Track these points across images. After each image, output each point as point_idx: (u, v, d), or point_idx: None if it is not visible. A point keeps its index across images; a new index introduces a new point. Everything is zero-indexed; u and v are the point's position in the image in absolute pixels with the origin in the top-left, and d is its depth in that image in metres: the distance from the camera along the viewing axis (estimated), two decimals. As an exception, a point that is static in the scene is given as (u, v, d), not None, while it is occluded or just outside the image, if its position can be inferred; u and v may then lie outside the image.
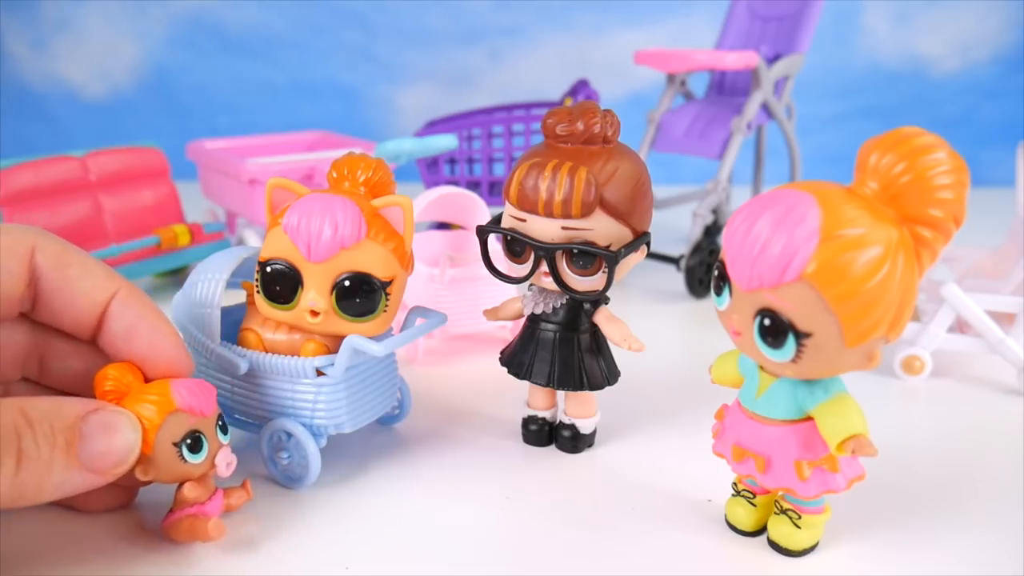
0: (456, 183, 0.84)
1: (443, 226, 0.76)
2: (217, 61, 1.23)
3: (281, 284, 0.39)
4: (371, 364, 0.43)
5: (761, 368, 0.35)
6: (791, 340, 0.31)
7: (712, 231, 0.75)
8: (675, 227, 0.84)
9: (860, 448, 0.32)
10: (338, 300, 0.39)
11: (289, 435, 0.41)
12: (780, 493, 0.36)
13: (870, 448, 0.32)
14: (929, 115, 1.22)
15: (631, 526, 0.39)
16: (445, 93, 1.24)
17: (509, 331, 0.59)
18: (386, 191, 0.41)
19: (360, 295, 0.39)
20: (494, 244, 0.43)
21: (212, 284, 0.42)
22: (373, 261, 0.39)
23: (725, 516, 0.39)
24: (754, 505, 0.38)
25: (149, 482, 0.36)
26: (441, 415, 0.50)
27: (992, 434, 0.49)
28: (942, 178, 0.30)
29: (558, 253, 0.39)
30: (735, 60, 0.72)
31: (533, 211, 0.39)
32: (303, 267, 0.38)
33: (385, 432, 0.48)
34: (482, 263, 0.44)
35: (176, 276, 0.76)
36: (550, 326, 0.43)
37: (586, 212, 0.38)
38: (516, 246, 0.41)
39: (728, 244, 0.31)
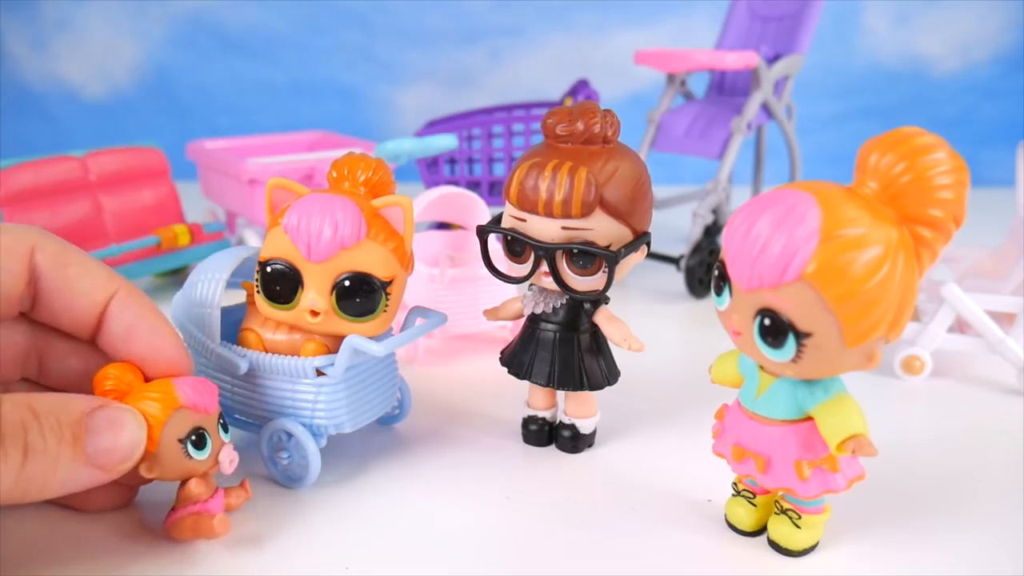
0: (456, 183, 0.84)
1: (443, 226, 0.76)
2: (217, 61, 1.23)
3: (281, 284, 0.39)
4: (371, 364, 0.43)
5: (761, 368, 0.35)
6: (791, 340, 0.31)
7: (712, 231, 0.75)
8: (675, 227, 0.84)
9: (860, 448, 0.32)
10: (338, 300, 0.39)
11: (289, 435, 0.41)
12: (780, 493, 0.36)
13: (870, 448, 0.32)
14: (929, 115, 1.22)
15: (631, 526, 0.39)
16: (445, 93, 1.24)
17: (509, 331, 0.59)
18: (386, 191, 0.41)
19: (360, 295, 0.39)
20: (494, 244, 0.43)
21: (212, 284, 0.42)
22: (373, 261, 0.39)
23: (725, 516, 0.39)
24: (754, 505, 0.38)
25: (152, 480, 0.36)
26: (441, 415, 0.50)
27: (992, 434, 0.49)
28: (942, 178, 0.30)
29: (558, 253, 0.39)
30: (735, 60, 0.72)
31: (533, 211, 0.39)
32: (303, 267, 0.38)
33: (385, 432, 0.48)
34: (482, 263, 0.44)
35: (176, 276, 0.76)
36: (550, 326, 0.43)
37: (586, 212, 0.38)
38: (516, 246, 0.41)
39: (728, 244, 0.31)
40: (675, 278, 0.75)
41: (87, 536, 0.38)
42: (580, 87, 0.90)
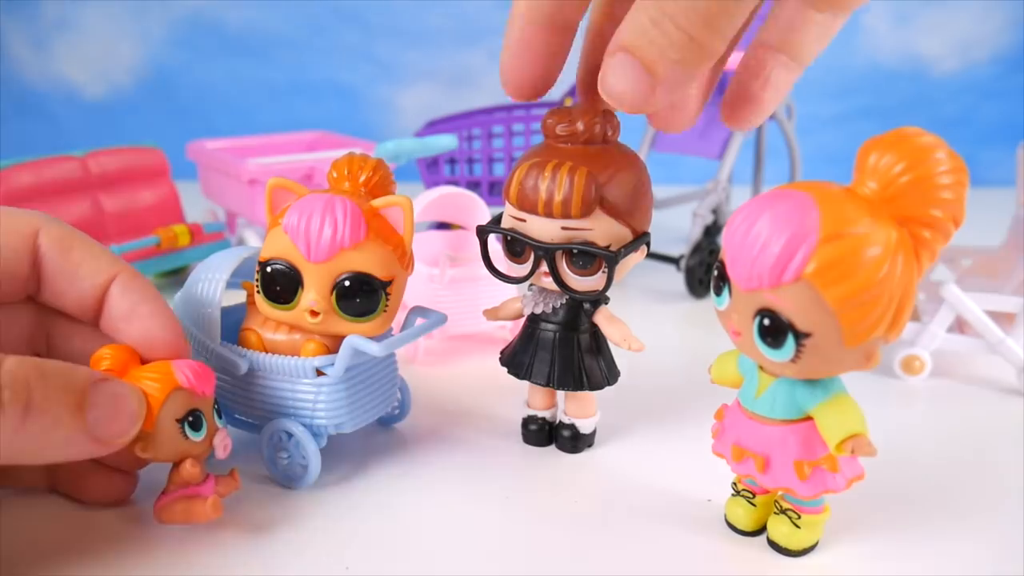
0: (456, 183, 0.84)
1: (443, 226, 0.76)
2: (217, 61, 1.23)
3: (281, 284, 0.39)
4: (371, 364, 0.43)
5: (761, 368, 0.35)
6: (791, 340, 0.31)
7: (712, 231, 0.75)
8: (675, 227, 0.84)
9: (859, 448, 0.32)
10: (338, 300, 0.39)
11: (289, 435, 0.41)
12: (780, 493, 0.36)
13: (869, 448, 0.32)
14: (929, 115, 1.22)
15: (631, 526, 0.39)
16: (445, 93, 1.24)
17: (509, 331, 0.59)
18: (386, 191, 0.41)
19: (360, 295, 0.39)
20: (494, 244, 0.43)
21: (212, 284, 0.42)
22: (373, 261, 0.39)
23: (725, 516, 0.39)
24: (754, 505, 0.38)
25: (147, 461, 0.36)
26: (441, 415, 0.50)
27: (992, 434, 0.49)
28: (942, 178, 0.30)
29: (558, 253, 0.39)
30: (735, 60, 0.72)
31: (533, 211, 0.39)
32: (303, 267, 0.39)
33: (385, 432, 0.48)
34: (482, 263, 0.44)
35: (176, 276, 0.76)
36: (550, 326, 0.43)
37: (586, 212, 0.38)
38: (516, 246, 0.41)
39: (728, 244, 0.31)
40: (675, 278, 0.75)
41: (86, 531, 0.38)
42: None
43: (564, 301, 0.43)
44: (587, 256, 0.39)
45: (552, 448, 0.46)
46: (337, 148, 0.84)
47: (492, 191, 0.85)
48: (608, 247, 0.39)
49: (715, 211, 0.76)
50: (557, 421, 0.46)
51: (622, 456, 0.45)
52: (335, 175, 0.41)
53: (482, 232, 0.42)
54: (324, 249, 0.38)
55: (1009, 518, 0.40)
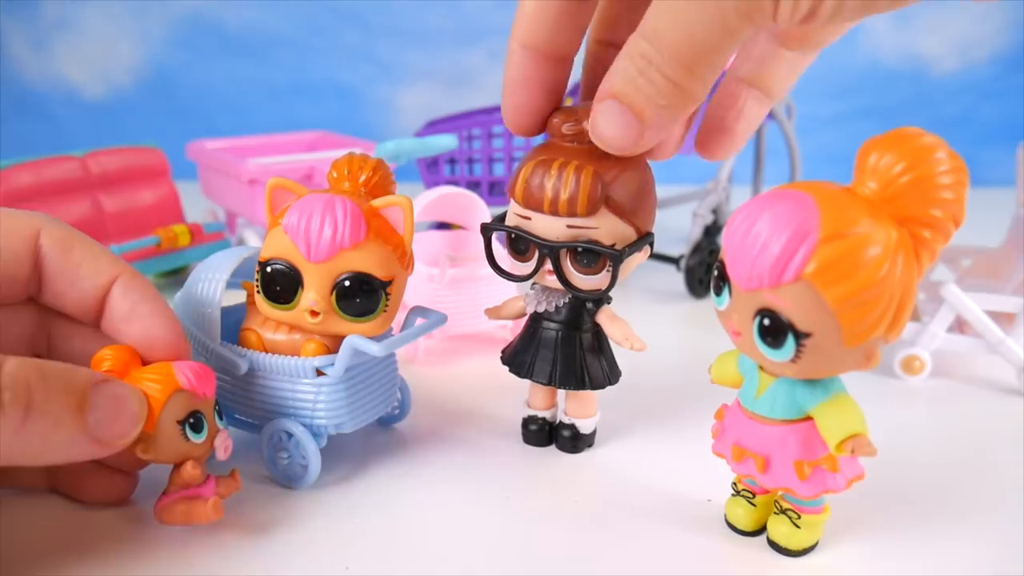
0: (456, 183, 0.84)
1: (443, 226, 0.76)
2: (217, 61, 1.23)
3: (281, 284, 0.39)
4: (371, 364, 0.43)
5: (761, 368, 0.35)
6: (790, 340, 0.31)
7: (712, 231, 0.75)
8: (675, 227, 0.84)
9: (859, 448, 0.32)
10: (338, 300, 0.39)
11: (289, 435, 0.41)
12: (780, 493, 0.36)
13: (869, 448, 0.32)
14: (929, 115, 1.22)
15: (631, 526, 0.39)
16: (445, 93, 1.24)
17: (509, 331, 0.59)
18: (386, 191, 0.41)
19: (360, 295, 0.39)
20: (497, 243, 0.43)
21: (212, 284, 0.42)
22: (373, 261, 0.39)
23: (725, 516, 0.39)
24: (754, 505, 0.38)
25: (147, 462, 0.36)
26: (441, 415, 0.50)
27: (992, 434, 0.49)
28: (942, 178, 0.30)
29: (562, 251, 0.39)
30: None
31: (538, 209, 0.39)
32: (303, 267, 0.38)
33: (385, 432, 0.48)
34: (482, 263, 0.44)
35: (176, 276, 0.76)
36: (552, 325, 0.43)
37: (592, 210, 0.38)
38: (520, 244, 0.41)
39: (728, 244, 0.31)
40: (675, 278, 0.75)
41: (86, 531, 0.38)
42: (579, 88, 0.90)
43: (567, 300, 0.43)
44: (592, 255, 0.39)
45: (552, 448, 0.46)
46: (337, 148, 0.84)
47: (492, 191, 0.85)
48: (613, 246, 0.39)
49: (715, 211, 0.76)
50: (557, 421, 0.46)
51: (622, 456, 0.45)
52: (335, 175, 0.41)
53: (486, 230, 0.42)
54: (324, 249, 0.38)
55: (1009, 518, 0.40)
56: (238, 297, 0.45)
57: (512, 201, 0.40)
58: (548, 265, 0.40)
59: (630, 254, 0.39)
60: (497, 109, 0.92)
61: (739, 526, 0.38)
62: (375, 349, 0.39)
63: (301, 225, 0.38)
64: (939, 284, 0.57)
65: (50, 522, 0.39)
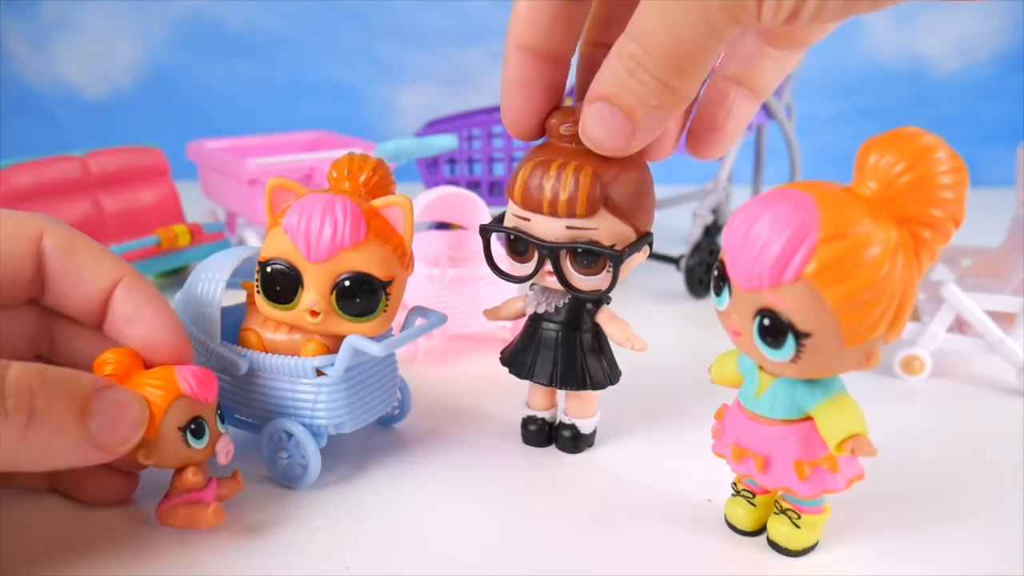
0: (456, 183, 0.84)
1: (443, 226, 0.76)
2: (217, 61, 1.23)
3: (281, 284, 0.39)
4: (371, 364, 0.43)
5: (761, 368, 0.35)
6: (790, 340, 0.31)
7: (712, 231, 0.75)
8: (675, 227, 0.84)
9: (859, 448, 0.32)
10: (338, 300, 0.39)
11: (289, 435, 0.41)
12: (780, 493, 0.36)
13: (869, 448, 0.32)
14: (929, 115, 1.22)
15: (631, 526, 0.39)
16: (445, 93, 1.24)
17: (509, 331, 0.59)
18: (386, 191, 0.41)
19: (360, 295, 0.39)
20: (496, 244, 0.43)
21: (212, 284, 0.42)
22: (373, 261, 0.39)
23: (725, 516, 0.39)
24: (754, 505, 0.38)
25: (149, 465, 0.36)
26: (441, 415, 0.50)
27: (992, 434, 0.49)
28: (942, 178, 0.30)
29: (562, 252, 0.39)
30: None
31: (538, 210, 0.39)
32: (303, 267, 0.38)
33: (385, 432, 0.48)
34: (482, 263, 0.44)
35: (176, 276, 0.76)
36: (552, 325, 0.43)
37: (591, 211, 0.38)
38: (519, 245, 0.41)
39: (728, 244, 0.31)
40: (675, 278, 0.75)
41: (86, 531, 0.38)
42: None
43: (566, 301, 0.43)
44: (591, 255, 0.39)
45: (552, 448, 0.46)
46: (337, 148, 0.84)
47: (492, 191, 0.85)
48: (612, 246, 0.39)
49: (715, 211, 0.76)
50: (557, 421, 0.46)
51: (622, 456, 0.45)
52: (335, 175, 0.41)
53: (485, 231, 0.42)
54: (324, 249, 0.38)
55: (1009, 518, 0.40)
56: (238, 297, 0.45)
57: (511, 202, 0.40)
58: (548, 266, 0.40)
59: (630, 254, 0.39)
60: (497, 109, 0.92)
61: (739, 526, 0.38)
62: (375, 349, 0.39)
63: (301, 225, 0.38)
64: (939, 284, 0.57)
65: (50, 522, 0.39)
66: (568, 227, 0.38)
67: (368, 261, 0.38)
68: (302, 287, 0.39)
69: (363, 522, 0.39)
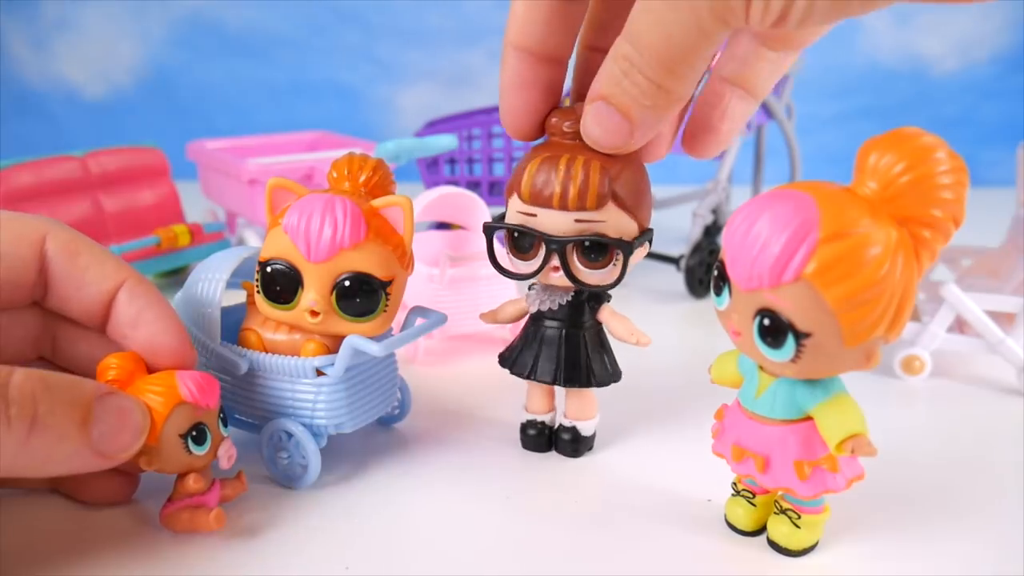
0: (456, 183, 0.84)
1: (443, 226, 0.76)
2: (217, 61, 1.23)
3: (281, 284, 0.39)
4: (371, 364, 0.43)
5: (761, 368, 0.35)
6: (790, 340, 0.31)
7: (712, 231, 0.75)
8: (675, 227, 0.84)
9: (859, 448, 0.32)
10: (338, 300, 0.39)
11: (289, 435, 0.41)
12: (780, 493, 0.36)
13: (869, 448, 0.32)
14: (929, 115, 1.22)
15: (631, 526, 0.39)
16: (445, 93, 1.24)
17: (509, 331, 0.59)
18: (386, 191, 0.41)
19: (360, 295, 0.39)
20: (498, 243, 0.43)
21: (212, 284, 0.42)
22: (373, 261, 0.39)
23: (725, 516, 0.39)
24: (754, 505, 0.38)
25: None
26: (441, 415, 0.50)
27: (992, 434, 0.49)
28: (942, 178, 0.30)
29: (569, 246, 0.39)
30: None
31: (547, 205, 0.39)
32: (303, 267, 0.38)
33: (385, 432, 0.48)
34: (482, 263, 0.44)
35: (176, 276, 0.76)
36: (554, 324, 0.43)
37: (600, 203, 0.38)
38: (524, 242, 0.40)
39: (728, 244, 0.31)
40: (675, 278, 0.75)
41: (86, 530, 0.38)
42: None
43: (568, 299, 0.43)
44: (600, 248, 0.39)
45: (552, 452, 0.46)
46: (337, 148, 0.84)
47: (492, 191, 0.85)
48: (621, 239, 0.39)
49: (715, 211, 0.76)
50: (557, 425, 0.46)
51: (622, 456, 0.45)
52: (335, 175, 0.41)
53: (489, 229, 0.42)
54: (324, 249, 0.38)
55: (1009, 518, 0.40)
56: (238, 297, 0.45)
57: (514, 199, 0.40)
58: (554, 261, 0.40)
59: (638, 245, 0.40)
60: (497, 109, 0.92)
61: (739, 526, 0.38)
62: (375, 349, 0.39)
63: (301, 225, 0.38)
64: (939, 284, 0.57)
65: (51, 522, 0.39)
66: (577, 220, 0.39)
67: (368, 261, 0.38)
68: (302, 287, 0.39)
69: (363, 522, 0.39)
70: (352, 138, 0.87)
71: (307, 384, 0.41)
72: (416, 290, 0.56)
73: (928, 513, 0.40)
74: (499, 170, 0.86)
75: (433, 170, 0.86)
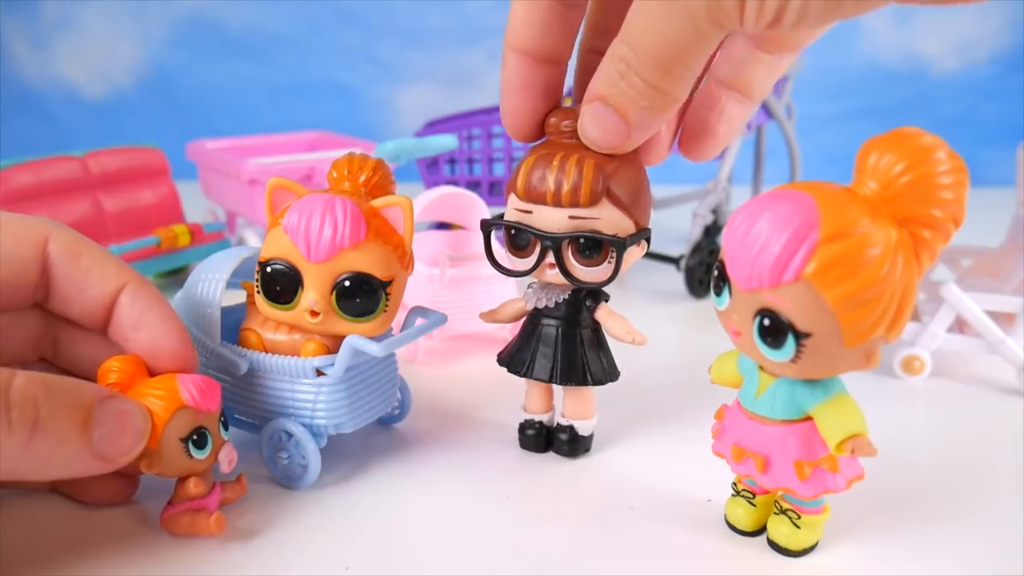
0: (456, 183, 0.84)
1: (443, 226, 0.76)
2: (217, 61, 1.23)
3: (281, 284, 0.39)
4: (371, 364, 0.43)
5: (761, 368, 0.35)
6: (790, 340, 0.31)
7: (712, 231, 0.75)
8: (675, 227, 0.84)
9: (859, 448, 0.32)
10: (338, 300, 0.39)
11: (289, 435, 0.41)
12: (780, 493, 0.36)
13: (869, 448, 0.32)
14: (929, 115, 1.22)
15: (631, 526, 0.39)
16: (445, 93, 1.24)
17: (509, 331, 0.59)
18: (386, 191, 0.41)
19: (360, 295, 0.39)
20: (496, 242, 0.43)
21: (212, 284, 0.42)
22: (373, 261, 0.39)
23: (725, 516, 0.39)
24: (754, 505, 0.38)
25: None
26: (441, 415, 0.50)
27: (992, 434, 0.49)
28: (942, 179, 0.30)
29: (564, 243, 0.39)
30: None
31: (541, 201, 0.39)
32: (303, 267, 0.38)
33: (385, 432, 0.48)
34: (481, 263, 0.44)
35: (176, 276, 0.76)
36: (552, 321, 0.43)
37: (594, 200, 0.38)
38: (521, 239, 0.41)
39: (728, 244, 0.31)
40: (675, 278, 0.75)
41: (86, 530, 0.38)
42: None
43: (566, 297, 0.43)
44: (594, 244, 0.39)
45: (550, 453, 0.46)
46: (337, 148, 0.84)
47: (492, 191, 0.85)
48: (615, 236, 0.39)
49: (715, 211, 0.76)
50: (555, 424, 0.46)
51: (622, 456, 0.45)
52: (335, 175, 0.41)
53: (486, 226, 0.42)
54: (324, 249, 0.38)
55: (1009, 518, 0.40)
56: (238, 297, 0.45)
57: (512, 197, 0.40)
58: (550, 258, 0.40)
59: (632, 243, 0.40)
60: (497, 109, 0.92)
61: (739, 526, 0.38)
62: (375, 349, 0.39)
63: (301, 225, 0.38)
64: (939, 284, 0.57)
65: (51, 522, 0.39)
66: (571, 216, 0.39)
67: (368, 261, 0.38)
68: (302, 287, 0.39)
69: (363, 522, 0.39)
70: (352, 138, 0.87)
71: (307, 384, 0.41)
72: (416, 290, 0.56)
73: (928, 513, 0.40)
74: (499, 170, 0.86)
75: (433, 170, 0.86)
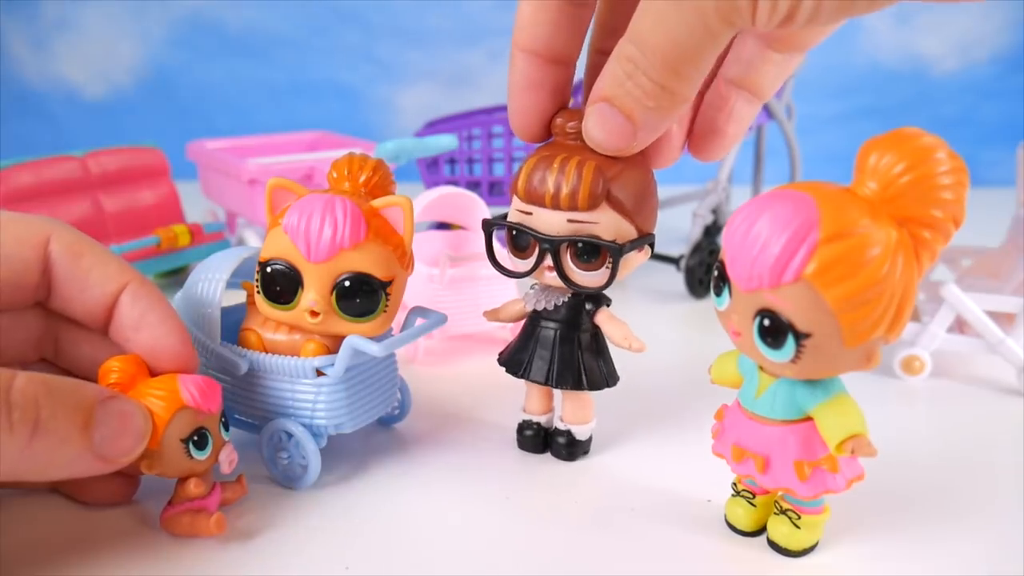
0: (456, 183, 0.84)
1: (443, 226, 0.76)
2: (217, 61, 1.23)
3: (281, 284, 0.39)
4: (371, 364, 0.43)
5: (761, 368, 0.35)
6: (790, 340, 0.31)
7: (712, 231, 0.75)
8: (675, 227, 0.84)
9: (859, 448, 0.32)
10: (338, 300, 0.39)
11: (289, 435, 0.41)
12: (780, 493, 0.36)
13: (869, 448, 0.32)
14: (929, 115, 1.22)
15: (631, 526, 0.39)
16: (445, 93, 1.24)
17: (510, 331, 0.59)
18: (386, 191, 0.41)
19: (360, 295, 0.39)
20: (498, 242, 0.43)
21: (212, 284, 0.42)
22: (373, 261, 0.39)
23: (725, 516, 0.39)
24: (754, 505, 0.38)
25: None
26: (441, 415, 0.50)
27: (992, 434, 0.49)
28: (942, 179, 0.30)
29: (562, 246, 0.39)
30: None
31: (540, 203, 0.39)
32: (303, 267, 0.38)
33: (385, 432, 0.48)
34: (481, 264, 0.44)
35: (176, 276, 0.76)
36: (551, 324, 0.43)
37: (593, 204, 0.38)
38: (521, 240, 0.41)
39: (728, 244, 0.31)
40: (675, 278, 0.75)
41: (86, 530, 0.38)
42: (580, 88, 0.89)
43: (566, 299, 0.43)
44: (591, 249, 0.39)
45: (548, 455, 0.46)
46: (337, 148, 0.84)
47: (492, 191, 0.85)
48: (613, 242, 0.39)
49: (715, 211, 0.76)
50: (552, 427, 0.46)
51: (622, 456, 0.45)
52: (335, 175, 0.41)
53: (487, 226, 0.42)
54: (324, 249, 0.38)
55: (1008, 518, 0.40)
56: (238, 297, 0.45)
57: (514, 198, 0.40)
58: (548, 261, 0.40)
59: (630, 250, 0.39)
60: (497, 109, 0.92)
61: (739, 526, 0.38)
62: (375, 349, 0.39)
63: (301, 225, 0.38)
64: (939, 284, 0.57)
65: (51, 522, 0.39)
66: (570, 220, 0.39)
67: (368, 261, 0.38)
68: (302, 287, 0.39)
69: (363, 522, 0.39)
70: (352, 138, 0.87)
71: (307, 384, 0.41)
72: (416, 290, 0.56)
73: (928, 513, 0.40)
74: (499, 170, 0.86)
75: (433, 170, 0.86)
